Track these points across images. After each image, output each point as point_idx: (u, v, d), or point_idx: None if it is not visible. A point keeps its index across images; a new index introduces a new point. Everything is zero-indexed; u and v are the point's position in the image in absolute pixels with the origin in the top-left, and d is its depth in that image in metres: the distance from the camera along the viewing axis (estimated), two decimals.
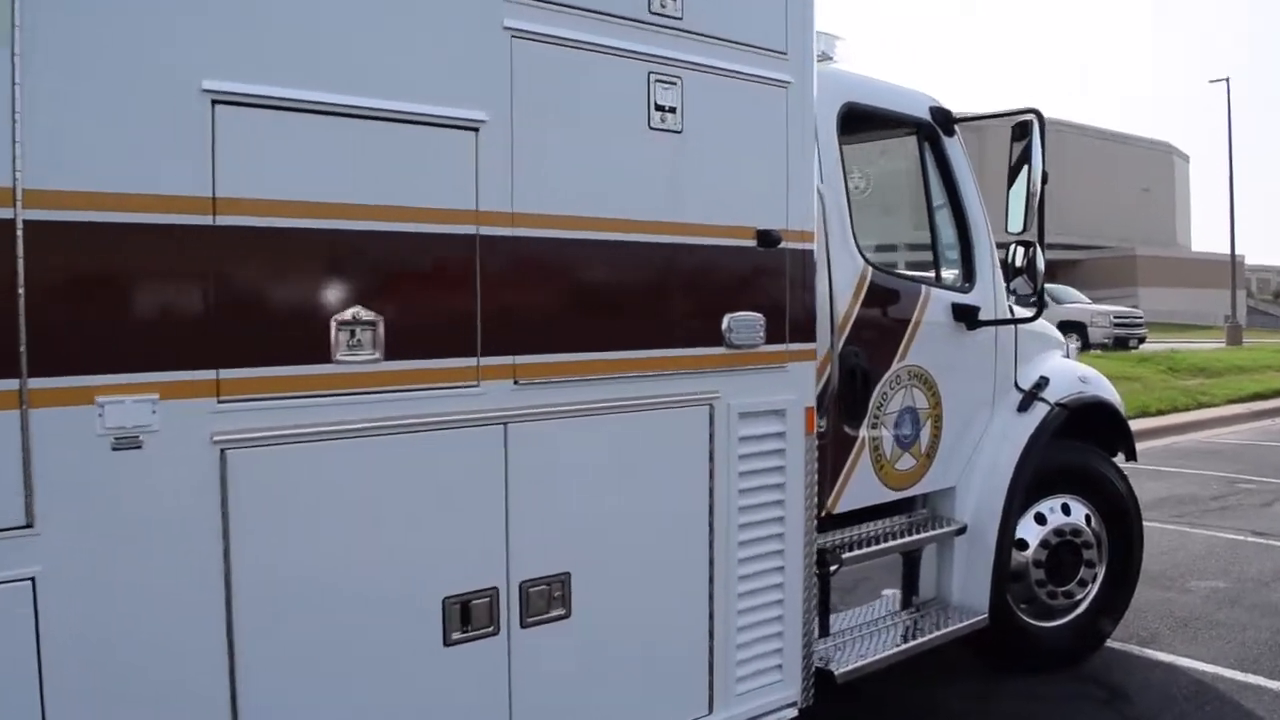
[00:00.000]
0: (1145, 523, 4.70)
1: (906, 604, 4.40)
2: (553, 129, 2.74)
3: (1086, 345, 23.46)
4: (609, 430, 2.92)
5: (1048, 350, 5.13)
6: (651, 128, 2.94)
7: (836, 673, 3.74)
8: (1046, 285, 4.46)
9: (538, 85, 2.69)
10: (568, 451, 2.84)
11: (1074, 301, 25.95)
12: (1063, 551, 4.75)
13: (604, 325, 2.91)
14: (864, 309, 3.97)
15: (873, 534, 4.17)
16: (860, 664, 3.84)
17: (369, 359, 2.45)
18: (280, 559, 2.35)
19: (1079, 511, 4.83)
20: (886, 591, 4.39)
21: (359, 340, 2.44)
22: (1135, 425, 12.64)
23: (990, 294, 4.49)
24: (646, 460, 3.02)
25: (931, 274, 4.45)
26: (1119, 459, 5.27)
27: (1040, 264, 4.21)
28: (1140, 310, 26.75)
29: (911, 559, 4.40)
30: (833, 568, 3.91)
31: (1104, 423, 5.14)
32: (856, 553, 4.00)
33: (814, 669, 3.55)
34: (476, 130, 2.59)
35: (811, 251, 3.43)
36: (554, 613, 2.82)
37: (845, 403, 3.92)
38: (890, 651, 3.98)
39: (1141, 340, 24.70)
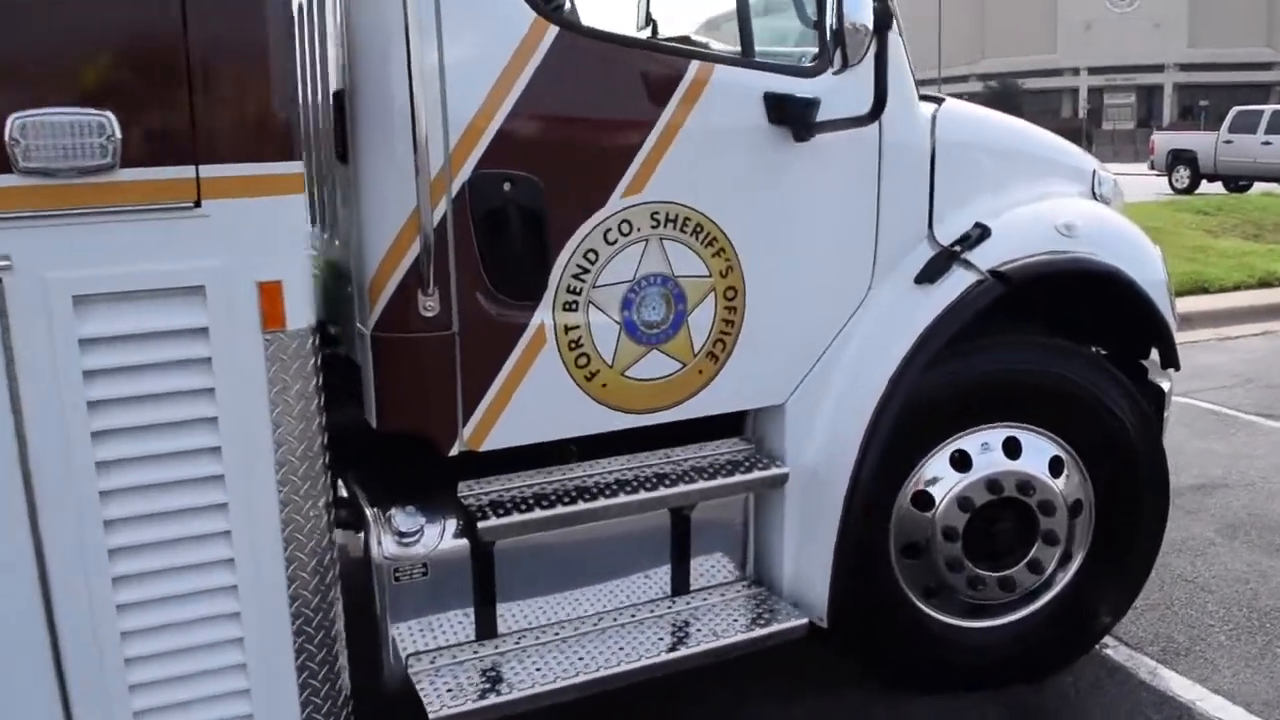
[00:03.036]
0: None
1: (680, 588, 2.77)
2: None
3: (1197, 178, 19.08)
4: None
5: (1037, 182, 3.10)
6: None
7: (442, 715, 2.26)
8: None
9: None
10: None
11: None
12: (1000, 514, 2.91)
13: None
14: (531, 99, 2.23)
15: (567, 487, 2.53)
16: (518, 695, 2.34)
17: None
18: None
19: (1039, 452, 2.91)
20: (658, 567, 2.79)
21: None
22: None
23: (857, 80, 2.50)
24: None
25: (734, 46, 2.54)
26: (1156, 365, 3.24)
27: (863, 14, 2.23)
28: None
29: (684, 522, 2.73)
30: (487, 541, 2.40)
31: (1115, 306, 3.09)
32: (520, 518, 2.40)
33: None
34: None
35: None
36: None
37: (492, 269, 2.27)
38: (596, 675, 2.42)
39: None
